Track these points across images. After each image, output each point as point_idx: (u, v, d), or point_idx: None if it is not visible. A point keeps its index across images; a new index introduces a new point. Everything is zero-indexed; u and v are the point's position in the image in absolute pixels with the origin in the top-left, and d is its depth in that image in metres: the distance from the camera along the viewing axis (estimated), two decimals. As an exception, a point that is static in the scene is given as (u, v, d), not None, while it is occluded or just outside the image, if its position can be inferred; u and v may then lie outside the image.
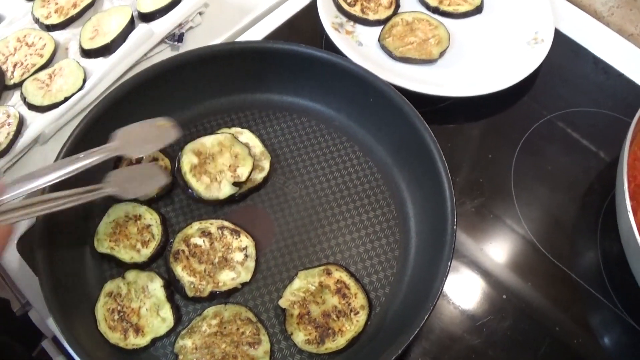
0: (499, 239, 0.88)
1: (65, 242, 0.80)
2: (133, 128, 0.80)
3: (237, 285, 0.80)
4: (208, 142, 0.88)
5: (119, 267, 0.82)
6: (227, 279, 0.80)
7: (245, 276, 0.81)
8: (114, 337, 0.76)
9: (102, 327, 0.77)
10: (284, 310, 0.77)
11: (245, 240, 0.83)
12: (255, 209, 0.86)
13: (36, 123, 0.92)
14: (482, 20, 1.09)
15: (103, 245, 0.82)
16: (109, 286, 0.79)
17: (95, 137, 0.84)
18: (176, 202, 0.87)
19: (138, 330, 0.77)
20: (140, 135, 0.79)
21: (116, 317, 0.77)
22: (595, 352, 0.80)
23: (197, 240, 0.82)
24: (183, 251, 0.81)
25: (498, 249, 0.87)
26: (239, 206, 0.86)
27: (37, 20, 1.04)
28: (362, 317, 0.77)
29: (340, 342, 0.75)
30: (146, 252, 0.82)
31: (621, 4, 1.08)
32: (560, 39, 1.05)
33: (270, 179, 0.89)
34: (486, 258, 0.86)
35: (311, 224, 0.85)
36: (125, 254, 0.81)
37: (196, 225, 0.83)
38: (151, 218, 0.84)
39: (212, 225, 0.83)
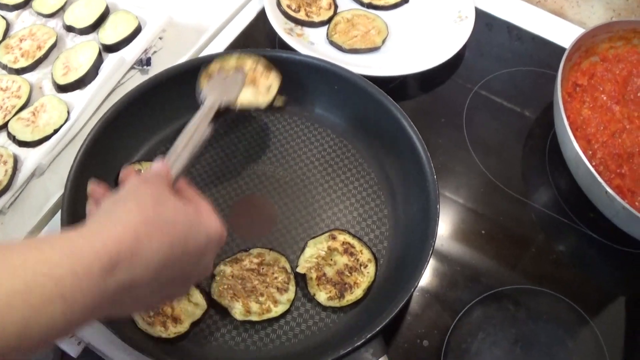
0: (466, 186, 1.01)
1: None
2: (213, 82, 0.93)
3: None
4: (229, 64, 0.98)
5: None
6: (249, 95, 0.93)
7: (264, 99, 0.93)
8: (156, 331, 0.83)
9: (142, 325, 0.83)
10: (303, 276, 0.87)
11: (273, 77, 0.96)
12: (255, 196, 0.96)
13: (32, 157, 0.99)
14: (411, 7, 1.23)
15: None
16: None
17: (94, 164, 0.92)
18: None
19: (175, 319, 0.84)
20: (224, 81, 0.93)
21: (151, 313, 0.84)
22: (568, 261, 0.96)
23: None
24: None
25: (467, 194, 1.00)
26: (240, 197, 0.96)
27: (4, 67, 1.10)
28: (371, 268, 0.88)
29: (357, 293, 0.86)
30: None
31: (526, -24, 1.25)
32: (477, 14, 1.19)
33: (262, 168, 0.99)
34: (460, 202, 1.00)
35: (307, 201, 0.96)
36: None
37: (234, 57, 0.97)
38: None
39: (249, 59, 0.97)
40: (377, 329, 0.76)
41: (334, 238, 0.90)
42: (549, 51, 1.18)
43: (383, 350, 0.78)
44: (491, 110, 1.11)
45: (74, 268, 0.50)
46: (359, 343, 0.75)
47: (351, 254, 0.89)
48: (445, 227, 0.97)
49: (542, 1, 1.25)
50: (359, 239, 0.90)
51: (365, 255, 0.89)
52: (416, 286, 0.80)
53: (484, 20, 1.22)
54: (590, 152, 0.98)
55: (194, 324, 0.85)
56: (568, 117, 1.00)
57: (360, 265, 0.88)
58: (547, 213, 0.99)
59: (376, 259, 0.89)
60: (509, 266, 0.93)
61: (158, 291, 0.62)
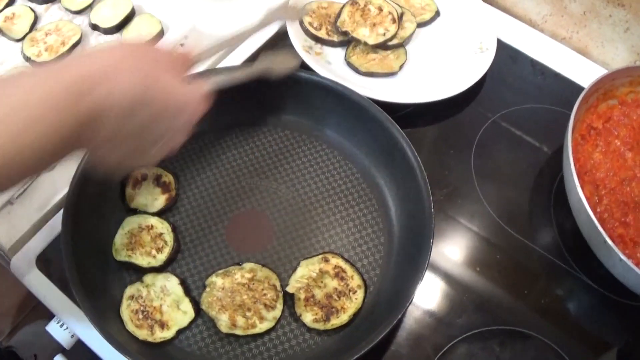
0: (467, 222, 1.01)
1: (86, 256, 0.88)
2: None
3: None
4: None
5: (138, 273, 0.91)
6: None
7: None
8: (142, 334, 0.85)
9: (130, 327, 0.85)
10: (291, 295, 0.88)
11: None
12: (254, 212, 0.97)
13: (43, 152, 1.01)
14: (433, 35, 1.22)
15: (121, 255, 0.91)
16: (130, 290, 0.89)
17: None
18: (182, 212, 0.97)
19: (163, 325, 0.86)
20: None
21: (140, 316, 0.86)
22: (560, 307, 0.94)
23: None
24: None
25: (467, 230, 1.00)
26: (240, 211, 0.97)
27: (28, 59, 1.13)
28: (359, 295, 0.88)
29: (343, 318, 0.87)
30: (161, 257, 0.91)
31: (553, 12, 1.24)
32: (500, 47, 1.19)
33: (265, 183, 1.00)
34: (457, 238, 0.99)
35: (305, 221, 0.97)
36: (142, 260, 0.91)
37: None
38: (162, 227, 0.93)
39: None
40: (354, 358, 0.76)
41: (326, 261, 0.90)
42: (570, 90, 1.17)
43: (359, 379, 0.78)
44: (502, 146, 1.10)
45: (53, 89, 0.58)
46: (334, 370, 0.76)
47: (342, 279, 0.89)
48: (443, 254, 0.98)
49: (567, 38, 1.24)
50: (352, 264, 0.90)
51: (355, 281, 0.89)
52: (399, 319, 0.80)
53: (507, 52, 1.22)
54: (597, 198, 0.97)
55: (180, 331, 0.87)
56: (578, 160, 1.00)
57: (350, 290, 0.88)
58: (546, 256, 0.98)
59: (366, 286, 0.89)
60: (500, 306, 0.93)
61: (131, 133, 0.66)
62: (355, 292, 0.88)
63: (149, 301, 0.88)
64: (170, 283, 0.89)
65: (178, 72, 0.72)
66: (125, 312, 0.87)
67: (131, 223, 0.94)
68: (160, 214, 0.96)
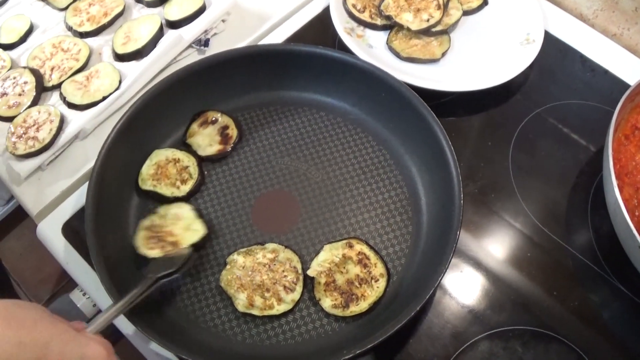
0: (500, 216, 0.98)
1: (108, 227, 0.88)
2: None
3: None
4: None
5: (161, 203, 0.93)
6: None
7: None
8: (153, 253, 0.87)
9: (143, 250, 0.87)
10: (312, 279, 0.87)
11: None
12: (282, 192, 0.96)
13: (77, 120, 1.01)
14: (478, 24, 1.19)
15: (146, 184, 0.95)
16: (144, 222, 0.90)
17: (132, 134, 0.94)
18: (210, 188, 0.97)
19: (174, 244, 0.88)
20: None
21: (153, 241, 0.88)
22: (589, 311, 0.90)
23: None
24: None
25: (499, 224, 0.97)
26: (268, 190, 0.96)
27: (70, 28, 1.14)
28: (381, 283, 0.86)
29: (363, 306, 0.85)
30: (185, 188, 0.95)
31: (604, 7, 1.19)
32: (549, 40, 1.15)
33: (296, 164, 0.99)
34: (488, 231, 0.96)
35: (333, 204, 0.95)
36: (166, 190, 0.94)
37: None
38: (188, 160, 0.96)
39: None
40: (367, 347, 0.75)
41: (350, 246, 0.89)
42: (619, 88, 1.11)
43: (373, 369, 0.77)
44: (543, 141, 1.06)
45: None
46: (346, 357, 0.74)
47: (365, 266, 0.87)
48: (470, 246, 0.95)
49: (617, 35, 1.20)
50: (376, 252, 0.88)
51: (378, 270, 0.87)
52: (419, 310, 0.77)
53: (556, 46, 1.18)
54: (636, 201, 0.93)
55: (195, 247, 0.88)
56: (619, 160, 0.96)
57: (372, 278, 0.86)
58: (579, 258, 0.94)
59: (389, 275, 0.87)
60: (527, 305, 0.89)
61: None
62: (377, 280, 0.86)
63: (162, 227, 0.89)
64: (183, 210, 0.91)
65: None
66: (140, 239, 0.88)
67: (159, 155, 0.97)
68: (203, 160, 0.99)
